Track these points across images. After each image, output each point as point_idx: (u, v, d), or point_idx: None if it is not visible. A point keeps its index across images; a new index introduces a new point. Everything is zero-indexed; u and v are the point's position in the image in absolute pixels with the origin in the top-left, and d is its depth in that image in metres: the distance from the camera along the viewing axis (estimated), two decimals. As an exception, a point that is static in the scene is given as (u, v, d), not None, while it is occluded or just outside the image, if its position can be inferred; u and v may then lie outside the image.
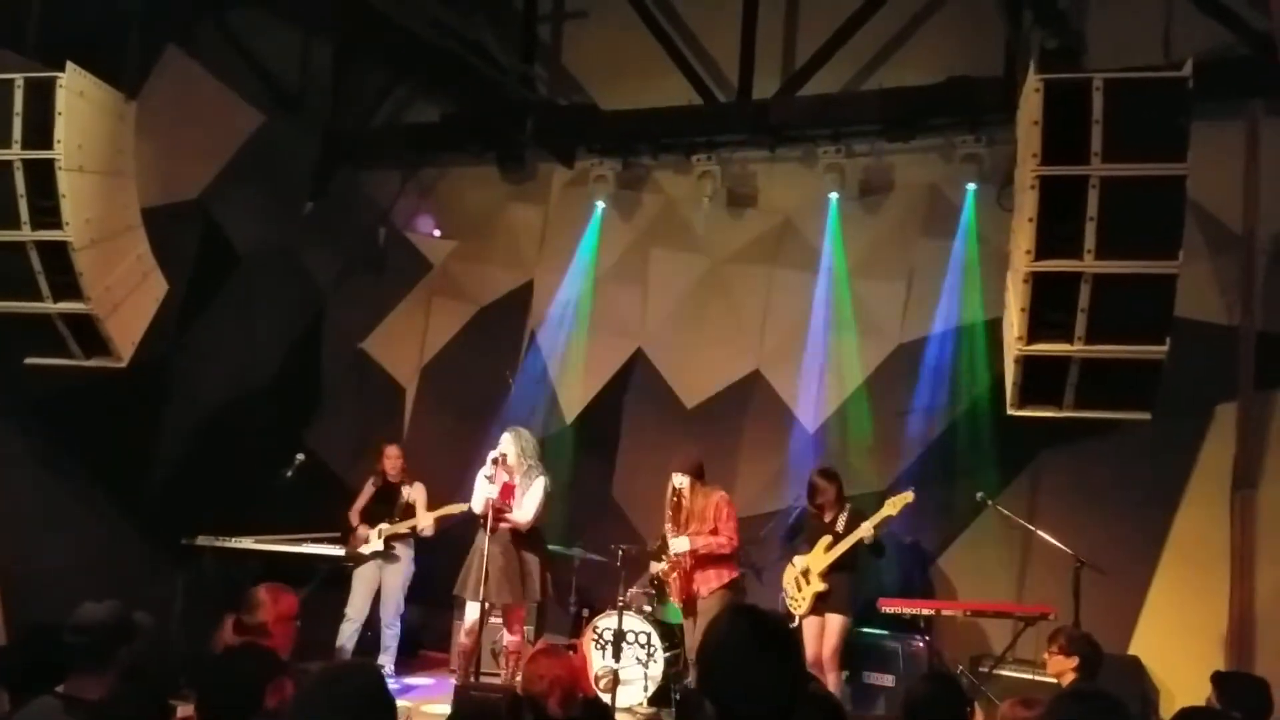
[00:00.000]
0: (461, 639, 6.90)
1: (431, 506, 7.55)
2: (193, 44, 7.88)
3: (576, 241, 8.89)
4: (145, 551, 7.47)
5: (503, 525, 6.67)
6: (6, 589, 6.59)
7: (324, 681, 2.27)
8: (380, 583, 7.56)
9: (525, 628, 7.12)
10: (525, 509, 6.74)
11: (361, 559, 7.47)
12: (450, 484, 7.51)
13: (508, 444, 6.83)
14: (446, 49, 7.35)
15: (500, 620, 7.06)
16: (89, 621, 3.39)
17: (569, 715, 3.94)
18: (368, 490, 7.78)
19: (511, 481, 6.78)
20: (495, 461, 6.70)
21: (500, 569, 6.58)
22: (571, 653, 6.27)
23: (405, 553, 7.62)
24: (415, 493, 7.68)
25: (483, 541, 6.51)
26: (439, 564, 7.49)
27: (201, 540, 7.30)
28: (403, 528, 7.50)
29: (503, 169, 9.05)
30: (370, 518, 7.62)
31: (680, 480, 6.68)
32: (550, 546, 7.58)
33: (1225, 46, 6.77)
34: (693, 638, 6.68)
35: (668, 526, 6.73)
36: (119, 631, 3.42)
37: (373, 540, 7.46)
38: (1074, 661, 5.04)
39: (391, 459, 7.70)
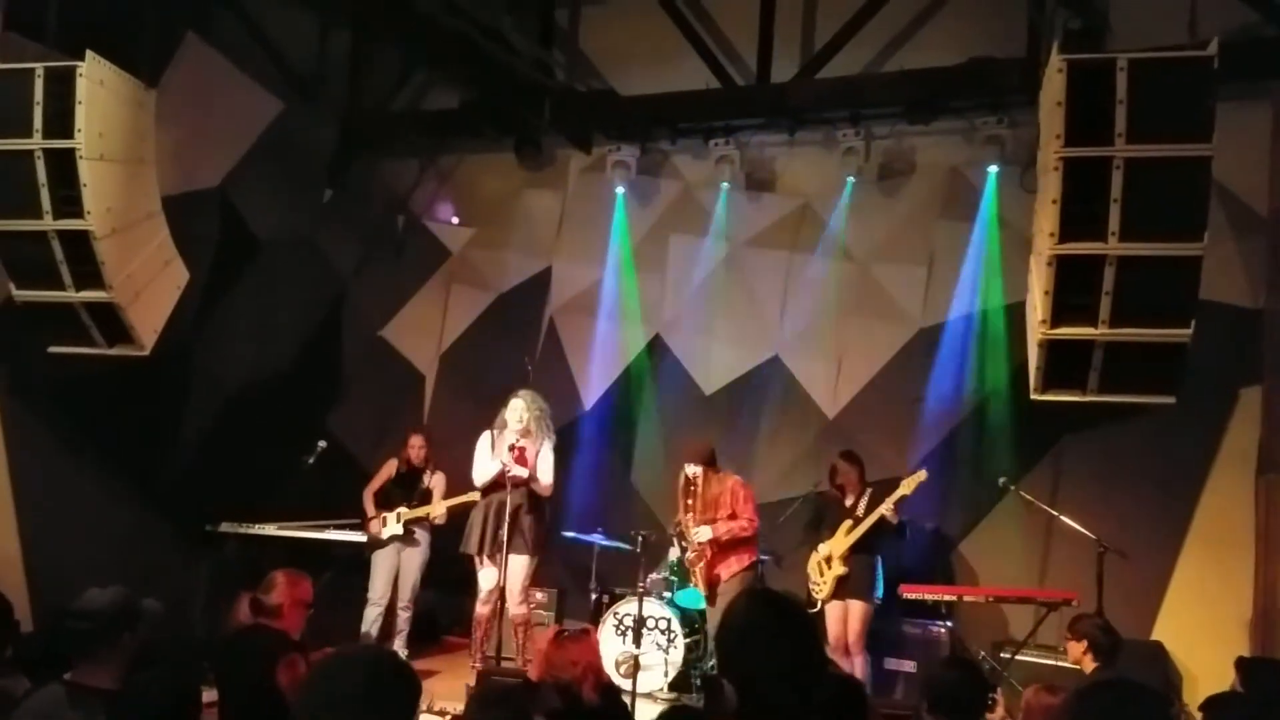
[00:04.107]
0: (479, 609, 6.93)
1: (450, 495, 7.58)
2: (211, 32, 7.87)
3: (594, 228, 8.90)
4: (169, 539, 7.52)
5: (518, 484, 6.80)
6: (31, 577, 6.66)
7: (336, 664, 2.22)
8: (398, 566, 7.60)
9: (546, 614, 7.14)
10: (546, 475, 6.82)
11: (380, 543, 7.51)
12: (470, 469, 7.52)
13: (522, 409, 6.86)
14: (464, 35, 7.32)
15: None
16: (91, 608, 3.36)
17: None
18: (386, 471, 7.83)
19: (524, 445, 6.82)
20: (517, 433, 6.77)
21: (514, 525, 6.68)
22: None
23: (423, 537, 7.66)
24: (436, 481, 7.73)
25: (494, 498, 6.62)
26: (455, 549, 7.51)
27: (225, 527, 7.36)
28: (419, 513, 7.54)
29: (520, 155, 9.01)
30: (387, 500, 7.67)
31: (693, 469, 6.70)
32: (568, 533, 7.64)
33: (1251, 26, 6.69)
34: (714, 622, 6.69)
35: (684, 516, 6.74)
36: (121, 617, 3.37)
37: (390, 524, 7.50)
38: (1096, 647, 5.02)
39: (415, 449, 7.74)
